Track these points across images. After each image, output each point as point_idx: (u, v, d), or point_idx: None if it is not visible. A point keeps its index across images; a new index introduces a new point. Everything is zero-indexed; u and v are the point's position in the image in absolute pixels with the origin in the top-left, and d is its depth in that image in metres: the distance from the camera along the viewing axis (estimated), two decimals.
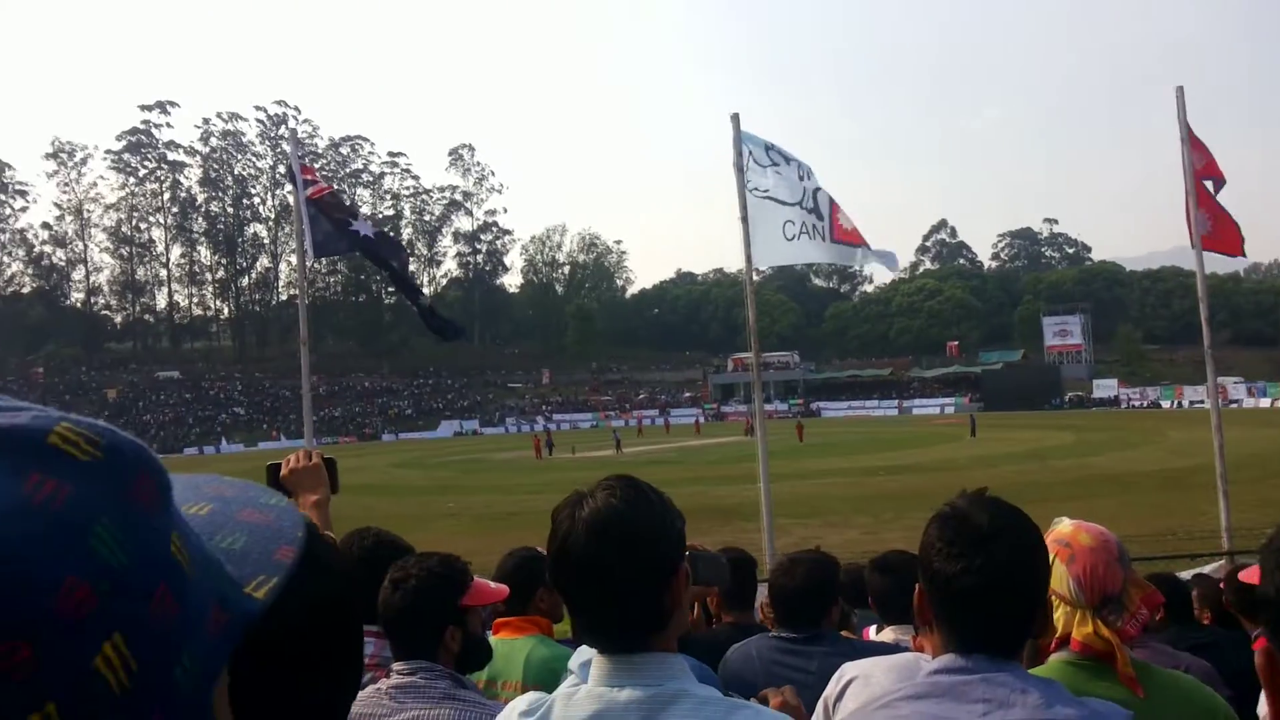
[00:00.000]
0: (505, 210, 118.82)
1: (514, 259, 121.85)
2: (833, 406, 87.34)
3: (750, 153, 9.40)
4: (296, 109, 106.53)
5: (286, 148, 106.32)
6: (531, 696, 1.63)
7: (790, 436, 46.10)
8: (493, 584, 2.57)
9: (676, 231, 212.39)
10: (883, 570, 3.62)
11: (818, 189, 9.27)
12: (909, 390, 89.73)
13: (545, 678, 3.56)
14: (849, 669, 2.29)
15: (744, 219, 9.35)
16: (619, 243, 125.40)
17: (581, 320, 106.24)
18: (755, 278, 10.10)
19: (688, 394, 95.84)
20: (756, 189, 9.35)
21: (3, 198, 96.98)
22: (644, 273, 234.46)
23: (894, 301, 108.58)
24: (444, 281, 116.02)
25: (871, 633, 3.85)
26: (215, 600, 0.51)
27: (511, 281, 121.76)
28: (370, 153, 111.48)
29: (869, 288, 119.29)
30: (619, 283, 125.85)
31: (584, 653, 1.61)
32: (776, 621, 3.30)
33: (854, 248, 9.21)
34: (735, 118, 9.50)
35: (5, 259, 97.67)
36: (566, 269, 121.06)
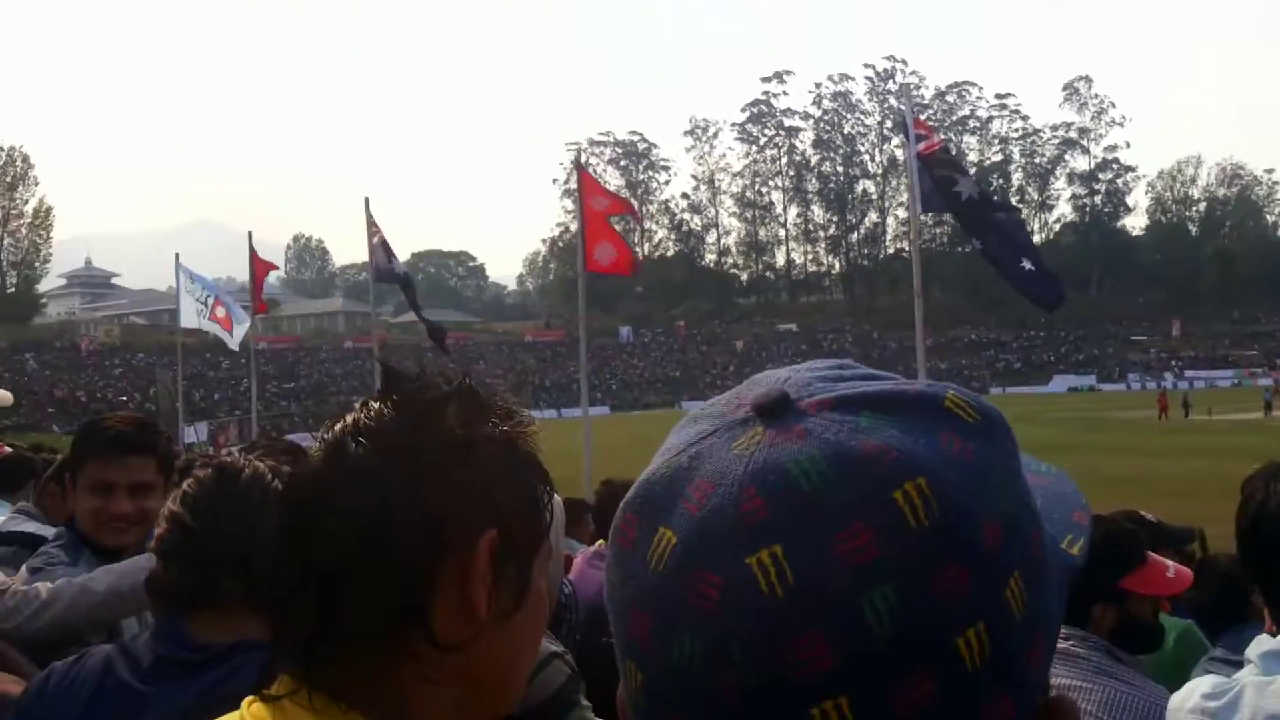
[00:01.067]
0: (1128, 145, 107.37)
1: (1138, 198, 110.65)
2: None
3: None
4: (903, 62, 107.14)
5: (894, 103, 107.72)
6: (1214, 680, 1.57)
7: None
8: (1172, 569, 2.26)
9: None
10: None
11: None
12: None
13: None
14: None
15: None
16: (1270, 172, 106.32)
17: (1221, 263, 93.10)
18: None
19: None
20: None
21: (651, 174, 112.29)
22: None
23: None
24: (1057, 227, 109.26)
25: None
26: (1054, 550, 0.57)
27: (1135, 223, 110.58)
28: (977, 98, 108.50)
29: None
30: (1269, 219, 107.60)
31: (1265, 642, 1.53)
32: None
33: None
34: None
35: (654, 226, 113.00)
36: (1202, 206, 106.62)
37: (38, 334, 75.65)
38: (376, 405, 0.81)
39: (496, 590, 0.79)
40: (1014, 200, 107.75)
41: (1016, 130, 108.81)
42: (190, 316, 19.50)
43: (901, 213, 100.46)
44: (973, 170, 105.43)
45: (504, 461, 0.83)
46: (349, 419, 0.81)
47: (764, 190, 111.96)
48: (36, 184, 79.50)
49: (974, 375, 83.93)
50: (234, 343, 20.15)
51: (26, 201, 78.77)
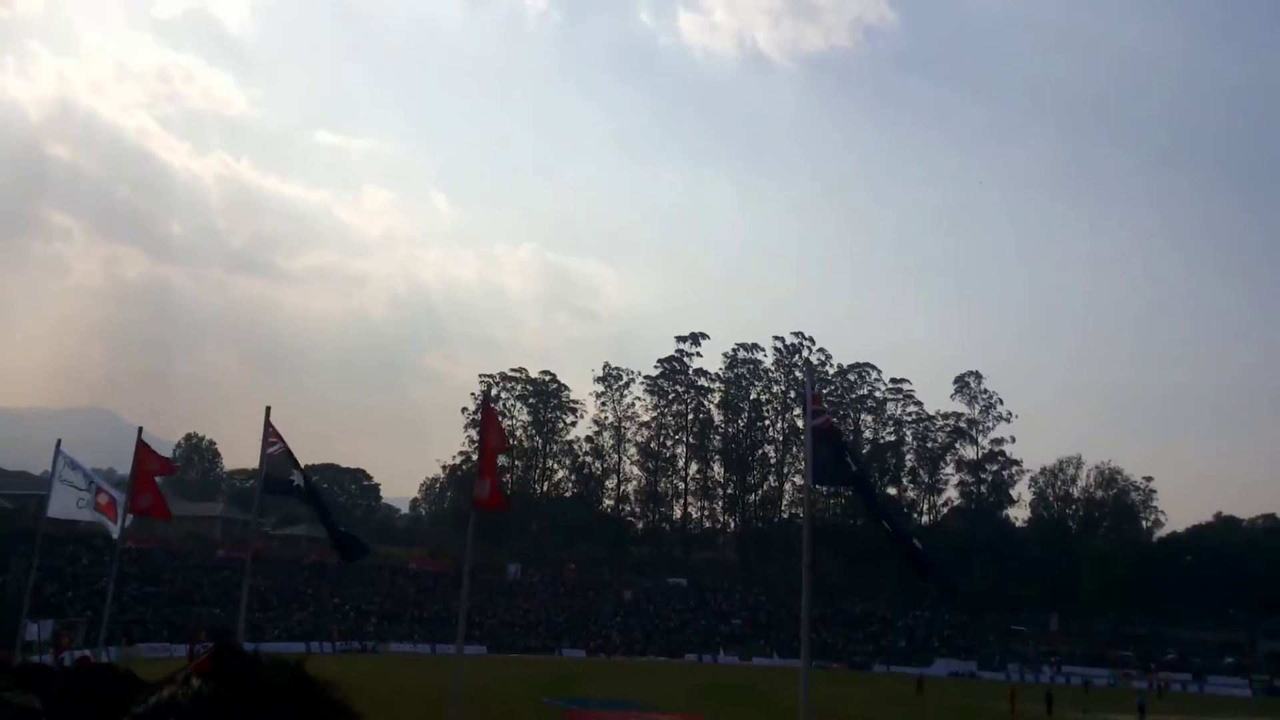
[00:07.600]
0: (1013, 440, 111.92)
1: (1021, 490, 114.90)
2: None
3: None
4: (811, 340, 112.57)
5: (799, 375, 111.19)
6: None
7: None
8: None
9: (1216, 467, 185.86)
10: None
11: None
12: None
13: None
14: None
15: None
16: (1149, 479, 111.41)
17: (1099, 564, 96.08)
18: None
19: (1229, 659, 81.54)
20: None
21: (559, 414, 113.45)
22: (1178, 514, 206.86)
23: None
24: (944, 510, 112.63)
25: None
26: None
27: (1019, 514, 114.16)
28: (876, 380, 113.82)
29: None
30: (1145, 524, 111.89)
31: None
32: None
33: None
34: None
35: (555, 465, 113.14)
36: (1081, 505, 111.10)
37: None
38: (197, 684, 0.77)
39: None
40: (905, 479, 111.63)
41: (910, 414, 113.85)
42: (63, 506, 18.64)
43: (799, 479, 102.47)
44: (867, 448, 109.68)
45: None
46: (165, 692, 0.75)
47: (668, 443, 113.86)
48: None
49: (857, 650, 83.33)
50: (116, 532, 19.41)
51: None
